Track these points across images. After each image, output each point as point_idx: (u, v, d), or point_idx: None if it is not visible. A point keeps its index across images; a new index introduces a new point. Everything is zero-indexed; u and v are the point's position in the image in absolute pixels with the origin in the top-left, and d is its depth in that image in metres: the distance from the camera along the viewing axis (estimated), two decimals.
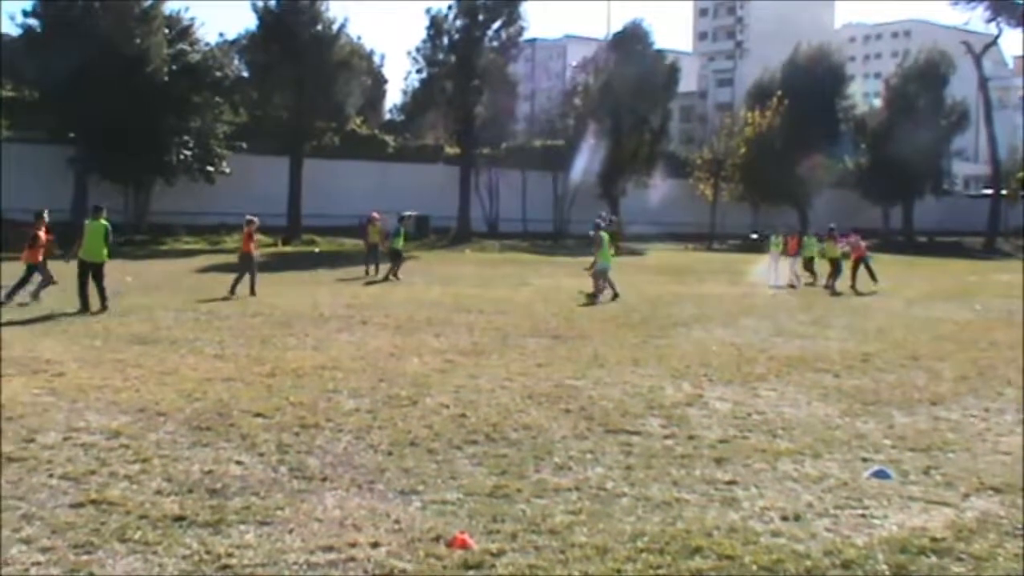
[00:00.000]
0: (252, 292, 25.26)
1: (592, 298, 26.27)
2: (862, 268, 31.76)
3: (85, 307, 21.20)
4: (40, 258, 23.27)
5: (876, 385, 14.13)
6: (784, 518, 7.98)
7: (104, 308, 21.31)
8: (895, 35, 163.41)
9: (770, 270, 35.13)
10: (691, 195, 74.68)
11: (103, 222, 22.12)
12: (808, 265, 35.24)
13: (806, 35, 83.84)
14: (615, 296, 26.45)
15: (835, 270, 32.20)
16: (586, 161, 66.67)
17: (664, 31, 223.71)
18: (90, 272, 21.68)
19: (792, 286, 33.17)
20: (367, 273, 33.23)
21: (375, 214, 36.19)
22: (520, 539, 7.34)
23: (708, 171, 76.11)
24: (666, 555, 7.12)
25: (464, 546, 7.10)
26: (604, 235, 27.82)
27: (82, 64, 46.95)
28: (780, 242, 36.43)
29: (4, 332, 17.44)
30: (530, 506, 8.09)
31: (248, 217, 27.26)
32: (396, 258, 32.87)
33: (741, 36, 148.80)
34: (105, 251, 21.94)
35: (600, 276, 27.04)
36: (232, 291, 25.14)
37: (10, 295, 22.42)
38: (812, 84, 73.29)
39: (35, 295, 22.77)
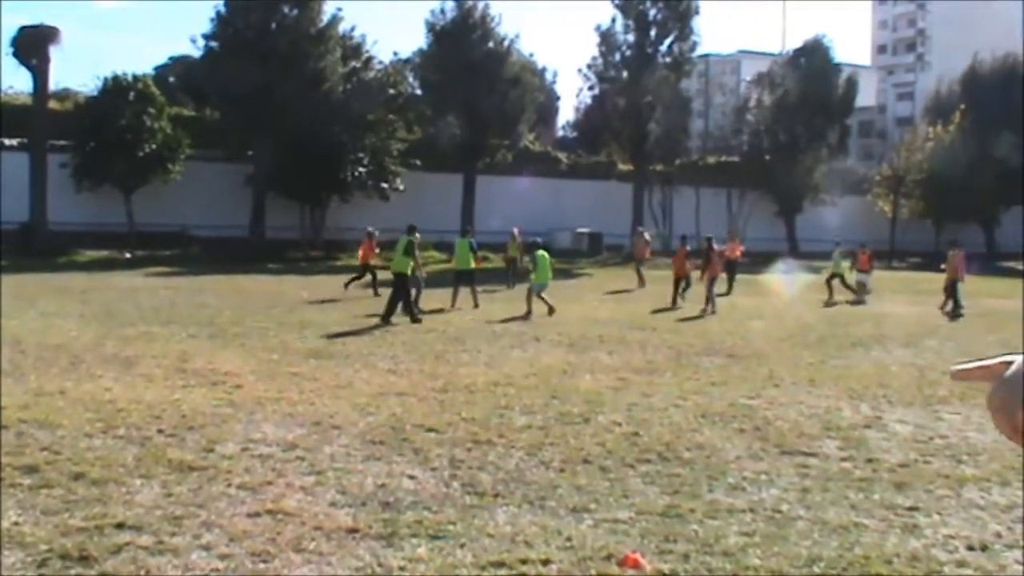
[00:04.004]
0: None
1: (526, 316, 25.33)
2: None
3: (386, 317, 22.76)
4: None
5: None
6: (970, 548, 7.69)
7: (413, 320, 22.93)
8: None
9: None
10: (870, 212, 73.00)
11: (406, 237, 24.26)
12: (830, 281, 34.26)
13: (992, 46, 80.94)
14: (528, 314, 25.22)
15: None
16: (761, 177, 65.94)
17: (842, 45, 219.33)
18: (398, 283, 23.52)
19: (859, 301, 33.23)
20: (510, 287, 33.50)
21: (515, 229, 36.88)
22: (693, 560, 7.25)
23: (887, 187, 74.29)
24: None
25: (636, 566, 7.04)
26: (543, 253, 27.03)
27: (260, 84, 48.45)
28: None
29: (186, 345, 18.05)
30: (703, 527, 7.99)
31: (370, 229, 27.76)
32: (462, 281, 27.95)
33: (922, 48, 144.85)
34: (405, 263, 23.77)
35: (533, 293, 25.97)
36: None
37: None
38: (999, 95, 70.61)
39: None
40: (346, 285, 30.27)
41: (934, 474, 9.90)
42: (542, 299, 25.57)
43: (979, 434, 11.85)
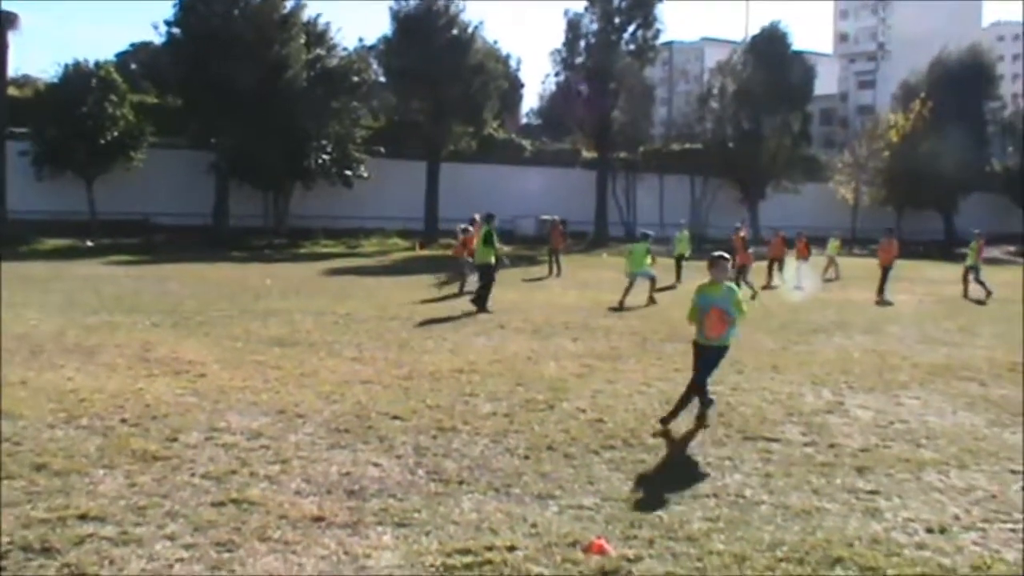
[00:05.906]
0: (461, 292, 26.77)
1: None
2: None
3: (482, 308, 23.16)
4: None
5: None
6: (929, 530, 7.79)
7: (478, 308, 22.98)
8: None
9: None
10: (832, 199, 73.47)
11: (487, 228, 24.70)
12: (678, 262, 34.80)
13: (951, 35, 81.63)
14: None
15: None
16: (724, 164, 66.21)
17: (803, 33, 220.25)
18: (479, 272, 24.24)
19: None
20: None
21: (476, 216, 37.15)
22: (657, 545, 7.29)
23: (849, 174, 74.79)
24: (806, 565, 7.01)
25: (601, 551, 7.07)
26: (639, 246, 27.23)
27: (223, 71, 48.15)
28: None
29: (149, 333, 17.94)
30: (667, 512, 8.04)
31: (462, 226, 28.93)
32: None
33: (883, 38, 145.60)
34: (489, 254, 24.18)
35: (650, 282, 26.55)
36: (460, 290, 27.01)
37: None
38: (959, 85, 71.18)
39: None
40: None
41: (894, 458, 9.99)
42: (651, 291, 26.44)
43: (938, 418, 11.98)
